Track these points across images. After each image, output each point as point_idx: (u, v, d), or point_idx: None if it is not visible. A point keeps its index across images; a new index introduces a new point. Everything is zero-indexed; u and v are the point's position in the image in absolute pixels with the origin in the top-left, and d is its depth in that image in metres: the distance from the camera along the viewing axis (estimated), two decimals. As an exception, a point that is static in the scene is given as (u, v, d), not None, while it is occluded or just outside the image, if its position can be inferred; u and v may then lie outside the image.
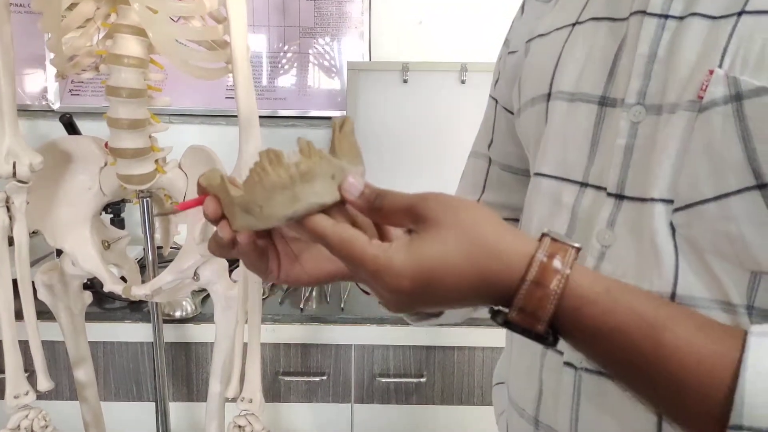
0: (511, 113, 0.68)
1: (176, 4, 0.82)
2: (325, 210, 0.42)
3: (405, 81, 1.71)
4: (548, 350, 0.55)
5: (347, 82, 1.74)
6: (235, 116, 0.87)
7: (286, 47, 1.81)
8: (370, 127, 1.73)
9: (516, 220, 0.71)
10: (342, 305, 1.45)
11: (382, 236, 0.46)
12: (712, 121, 0.43)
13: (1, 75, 0.81)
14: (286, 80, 1.83)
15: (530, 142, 0.61)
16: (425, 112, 1.72)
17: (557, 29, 0.59)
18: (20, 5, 1.64)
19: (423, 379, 1.42)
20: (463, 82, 1.76)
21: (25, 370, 0.95)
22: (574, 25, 0.57)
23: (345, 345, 1.41)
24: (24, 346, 0.92)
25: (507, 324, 0.42)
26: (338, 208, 0.43)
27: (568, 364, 0.52)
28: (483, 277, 0.40)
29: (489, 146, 0.73)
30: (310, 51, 1.82)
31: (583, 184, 0.53)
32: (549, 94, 0.57)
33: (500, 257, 0.40)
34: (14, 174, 0.84)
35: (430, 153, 1.75)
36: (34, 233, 0.92)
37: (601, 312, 0.40)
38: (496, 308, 0.43)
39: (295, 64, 1.82)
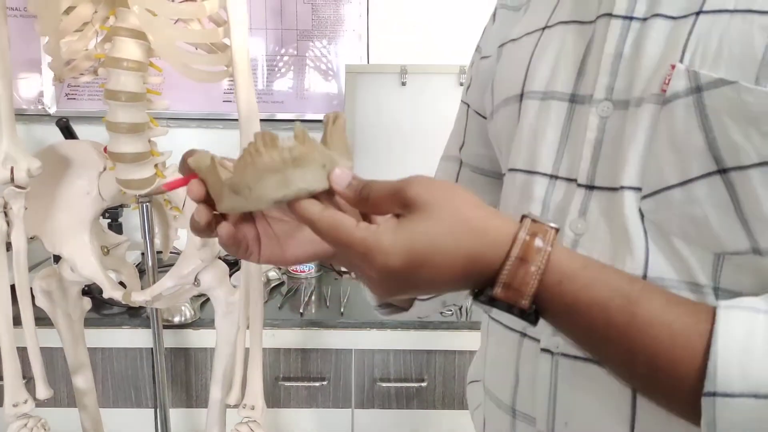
0: (483, 117, 0.71)
1: (176, 6, 0.82)
2: (314, 197, 0.43)
3: (403, 83, 1.71)
4: (524, 339, 0.57)
5: (345, 85, 1.73)
6: (233, 120, 0.86)
7: (283, 50, 1.81)
8: (368, 129, 1.73)
9: None
10: (342, 309, 1.44)
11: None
12: (675, 112, 0.47)
13: (-1, 79, 0.80)
14: (284, 83, 1.82)
15: (502, 141, 0.64)
16: (423, 114, 1.72)
17: (528, 33, 0.62)
18: (15, 9, 1.63)
19: (424, 384, 1.41)
20: (461, 84, 1.75)
21: (23, 377, 0.93)
22: (543, 29, 0.61)
23: (345, 350, 1.41)
24: (22, 352, 0.91)
25: (491, 301, 0.43)
26: (326, 196, 0.44)
27: (545, 350, 0.54)
28: (470, 256, 0.42)
29: (460, 149, 0.75)
30: (308, 54, 1.81)
31: (554, 177, 0.56)
32: (521, 95, 0.60)
33: (485, 237, 0.42)
34: (12, 179, 0.83)
35: (428, 155, 1.73)
36: (31, 239, 0.91)
37: (580, 287, 0.43)
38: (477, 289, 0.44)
39: (293, 67, 1.82)
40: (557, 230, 0.43)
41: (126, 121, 0.85)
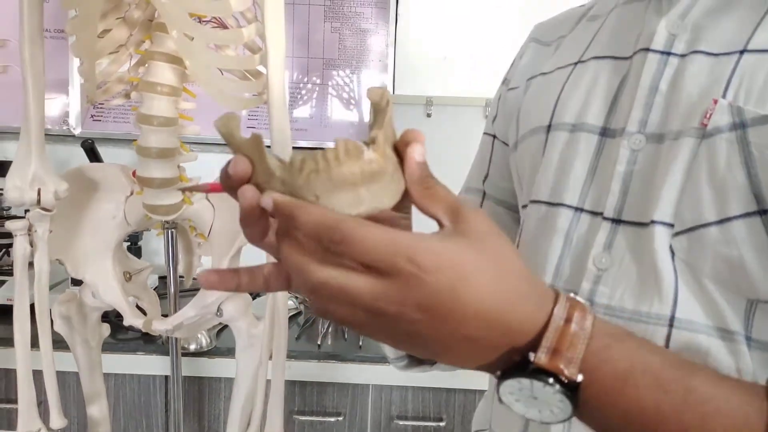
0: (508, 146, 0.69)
1: (214, 32, 0.81)
2: None
3: (428, 115, 1.70)
4: None
5: (370, 115, 1.73)
6: None
7: (307, 78, 1.81)
8: (391, 160, 1.71)
9: None
10: (360, 342, 1.40)
11: None
12: (716, 148, 0.45)
13: (32, 100, 0.79)
14: (306, 111, 1.82)
15: (525, 172, 0.62)
16: (448, 146, 1.70)
17: (560, 68, 0.61)
18: (46, 30, 1.64)
19: (442, 423, 1.37)
20: (487, 117, 1.74)
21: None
22: (576, 63, 0.60)
23: (362, 384, 1.37)
24: (37, 374, 0.89)
25: (532, 374, 0.37)
26: None
27: None
28: (509, 308, 0.36)
29: (484, 181, 0.74)
30: (331, 83, 1.81)
31: (578, 209, 0.54)
32: (549, 126, 0.58)
33: (528, 296, 0.37)
34: (39, 201, 0.81)
35: (453, 187, 1.72)
36: (55, 261, 0.90)
37: (631, 351, 0.38)
38: (507, 365, 0.38)
39: (316, 95, 1.81)
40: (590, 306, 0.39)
41: (157, 146, 0.84)
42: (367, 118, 1.76)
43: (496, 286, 0.36)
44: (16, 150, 0.82)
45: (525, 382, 0.37)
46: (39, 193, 0.81)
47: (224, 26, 0.92)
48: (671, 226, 0.48)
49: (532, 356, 0.37)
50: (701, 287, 0.46)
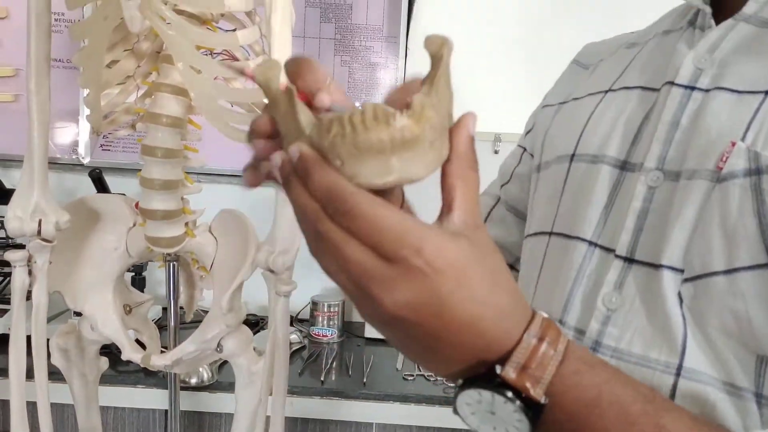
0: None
1: (221, 65, 0.80)
2: None
3: (437, 149, 1.69)
4: None
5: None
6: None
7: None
8: (399, 193, 1.70)
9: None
10: (364, 379, 1.37)
11: None
12: (730, 193, 0.44)
13: (36, 131, 0.79)
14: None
15: (542, 200, 0.62)
16: (457, 180, 1.69)
17: (590, 94, 0.61)
18: (59, 60, 1.66)
19: (447, 464, 1.33)
20: (496, 152, 1.73)
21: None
22: (606, 92, 0.59)
23: (366, 423, 1.34)
24: (31, 406, 0.86)
25: (496, 386, 0.36)
26: None
27: None
28: (492, 323, 0.35)
29: (502, 186, 0.75)
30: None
31: (593, 244, 0.53)
32: (573, 155, 0.58)
33: (510, 313, 0.36)
34: (39, 232, 0.80)
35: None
36: (54, 293, 0.88)
37: (602, 380, 0.37)
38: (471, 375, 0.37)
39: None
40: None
41: (161, 178, 0.83)
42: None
43: (488, 298, 0.35)
44: (19, 180, 0.82)
45: (486, 394, 0.36)
46: (40, 224, 0.80)
47: (234, 58, 0.92)
48: (681, 271, 0.46)
49: (498, 369, 0.36)
50: (708, 339, 0.44)
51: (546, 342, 0.36)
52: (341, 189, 0.33)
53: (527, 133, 0.74)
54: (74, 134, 1.75)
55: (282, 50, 0.77)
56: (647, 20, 0.72)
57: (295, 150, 0.35)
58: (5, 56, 1.70)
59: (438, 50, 0.35)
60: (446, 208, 0.36)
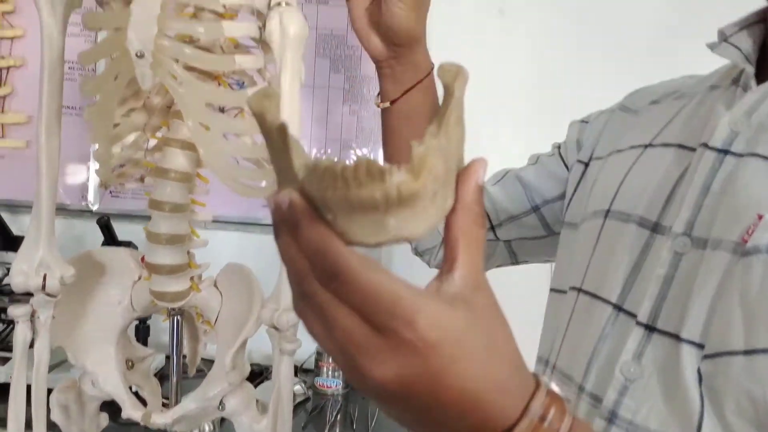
0: (566, 167, 0.73)
1: (230, 121, 0.81)
2: None
3: (445, 198, 1.68)
4: None
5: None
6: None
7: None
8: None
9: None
10: (370, 434, 1.34)
11: None
12: (753, 268, 0.42)
13: (44, 185, 0.79)
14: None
15: (576, 257, 0.60)
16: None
17: (632, 147, 0.60)
18: (71, 107, 1.68)
19: None
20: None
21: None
22: (646, 146, 0.58)
23: (371, 479, 1.30)
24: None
25: None
26: None
27: None
28: (490, 397, 0.33)
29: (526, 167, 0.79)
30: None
31: (617, 308, 0.51)
32: (608, 212, 0.57)
33: (510, 387, 0.34)
34: (44, 287, 0.79)
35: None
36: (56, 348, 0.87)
37: None
38: None
39: (333, 174, 1.82)
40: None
41: (167, 233, 0.83)
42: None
43: (485, 371, 0.33)
44: (26, 232, 0.81)
45: None
46: (45, 279, 0.80)
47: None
48: (701, 347, 0.44)
49: None
50: (725, 423, 0.42)
51: (548, 420, 0.34)
52: (331, 249, 0.31)
53: (561, 145, 0.76)
54: (84, 180, 1.76)
55: (290, 107, 0.77)
56: (658, 74, 0.72)
57: (285, 198, 0.32)
58: (19, 103, 1.73)
59: (451, 81, 0.33)
60: (448, 266, 0.34)
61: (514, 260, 0.84)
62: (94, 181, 1.75)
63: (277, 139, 0.33)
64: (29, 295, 0.80)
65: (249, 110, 0.35)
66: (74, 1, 0.76)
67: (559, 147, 0.77)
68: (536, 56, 1.74)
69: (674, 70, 0.73)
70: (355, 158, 0.32)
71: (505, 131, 1.77)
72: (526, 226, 0.78)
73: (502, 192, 0.79)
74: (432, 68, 0.82)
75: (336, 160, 0.32)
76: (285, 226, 0.33)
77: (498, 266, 0.85)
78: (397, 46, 0.77)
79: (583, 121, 0.75)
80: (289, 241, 0.33)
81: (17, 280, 0.78)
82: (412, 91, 0.81)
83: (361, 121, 1.82)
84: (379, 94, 0.84)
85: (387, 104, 0.83)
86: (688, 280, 0.46)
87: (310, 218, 0.31)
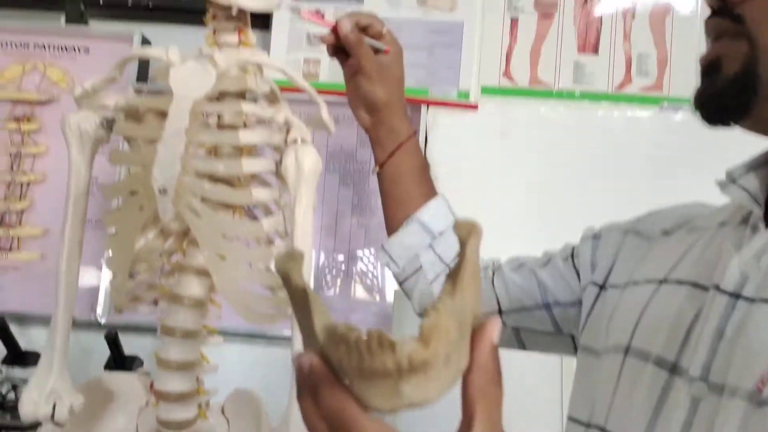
0: (578, 277, 0.75)
1: (246, 251, 0.83)
2: None
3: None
4: None
5: (394, 306, 1.73)
6: (277, 337, 0.82)
7: (333, 267, 1.84)
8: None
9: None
10: None
11: None
12: None
13: (60, 314, 0.81)
14: (331, 300, 1.82)
15: (597, 393, 0.59)
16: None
17: (647, 281, 0.59)
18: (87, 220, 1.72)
19: None
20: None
21: None
22: (661, 282, 0.57)
23: None
24: None
25: None
26: None
27: None
28: None
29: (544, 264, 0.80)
30: (356, 271, 1.84)
31: None
32: (628, 348, 0.56)
33: None
34: (53, 416, 0.79)
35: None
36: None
37: None
38: None
39: (339, 282, 1.83)
40: None
41: (177, 359, 0.83)
42: (393, 309, 1.76)
43: None
44: (39, 361, 0.82)
45: None
46: (54, 408, 0.79)
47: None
48: None
49: None
50: None
51: None
52: (348, 417, 0.33)
53: (573, 251, 0.77)
54: (94, 288, 1.77)
55: (303, 239, 0.80)
56: (658, 199, 0.74)
57: (306, 362, 0.34)
58: (37, 217, 1.76)
59: (466, 237, 0.35)
60: (465, 426, 0.35)
61: (522, 347, 0.84)
62: (103, 294, 1.75)
63: (300, 300, 0.35)
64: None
65: (275, 270, 0.37)
66: (102, 138, 0.81)
67: (572, 254, 0.78)
68: (537, 177, 1.78)
69: (674, 194, 0.75)
70: (366, 332, 0.34)
71: (507, 253, 1.79)
72: (535, 319, 0.79)
73: (518, 281, 0.82)
74: (413, 133, 0.90)
75: (352, 328, 0.33)
76: (306, 389, 0.35)
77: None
78: (376, 113, 0.86)
79: (595, 237, 0.75)
80: (309, 404, 0.35)
81: (27, 410, 0.78)
82: (396, 154, 0.88)
83: (370, 232, 1.85)
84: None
85: (377, 169, 0.90)
86: (706, 428, 0.46)
87: (329, 383, 0.34)
